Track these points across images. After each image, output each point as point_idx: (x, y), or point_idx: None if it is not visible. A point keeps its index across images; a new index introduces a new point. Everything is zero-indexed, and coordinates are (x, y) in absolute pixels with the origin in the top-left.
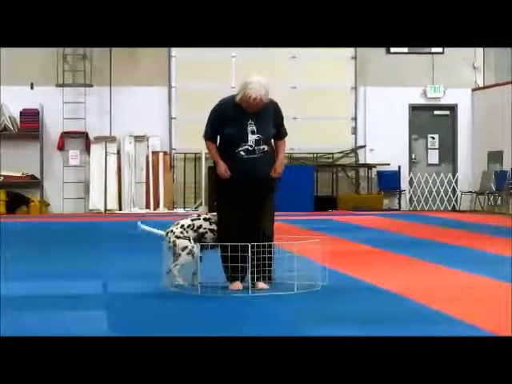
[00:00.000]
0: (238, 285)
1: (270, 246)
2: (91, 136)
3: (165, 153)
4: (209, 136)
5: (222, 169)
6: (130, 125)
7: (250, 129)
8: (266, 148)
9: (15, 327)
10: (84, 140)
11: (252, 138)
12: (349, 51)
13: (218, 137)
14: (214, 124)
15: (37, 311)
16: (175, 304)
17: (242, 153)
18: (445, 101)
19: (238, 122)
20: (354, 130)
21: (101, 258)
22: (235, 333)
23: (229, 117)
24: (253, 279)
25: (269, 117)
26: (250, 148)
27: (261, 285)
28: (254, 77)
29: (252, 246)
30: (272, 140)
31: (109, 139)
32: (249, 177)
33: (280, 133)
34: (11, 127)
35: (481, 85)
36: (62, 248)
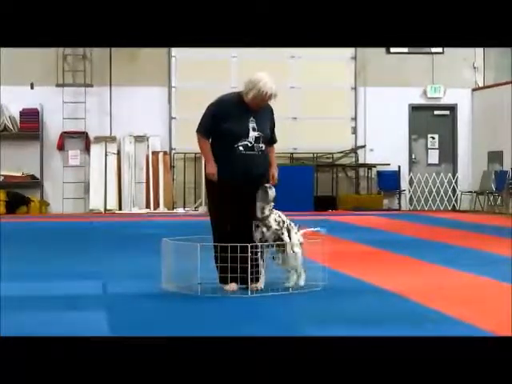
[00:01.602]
0: (233, 286)
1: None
2: (91, 136)
3: (165, 153)
4: (204, 130)
5: (212, 169)
6: (129, 125)
7: (251, 125)
8: (263, 147)
9: (15, 327)
10: (84, 140)
11: (253, 134)
12: (349, 51)
13: (211, 134)
14: (212, 119)
15: (37, 311)
16: (175, 304)
17: (240, 148)
18: (445, 101)
19: (240, 118)
20: (354, 130)
21: (101, 258)
22: (235, 333)
23: (231, 113)
24: (251, 280)
25: (267, 118)
26: (249, 144)
27: (254, 285)
28: (262, 74)
29: (252, 247)
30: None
31: (109, 139)
32: (245, 173)
33: (272, 138)
34: (11, 127)
35: (481, 85)
36: (62, 248)
